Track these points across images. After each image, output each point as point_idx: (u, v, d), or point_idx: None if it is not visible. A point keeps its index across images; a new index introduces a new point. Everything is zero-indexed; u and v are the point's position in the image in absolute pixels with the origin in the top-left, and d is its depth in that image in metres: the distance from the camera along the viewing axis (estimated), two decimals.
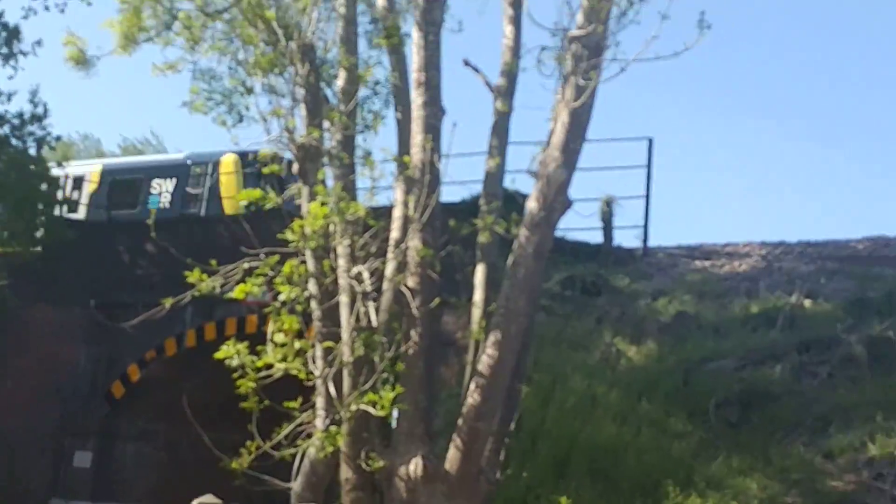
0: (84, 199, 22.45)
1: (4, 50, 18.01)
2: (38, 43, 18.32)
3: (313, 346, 8.69)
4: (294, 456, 8.87)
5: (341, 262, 8.78)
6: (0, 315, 18.41)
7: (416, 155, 9.17)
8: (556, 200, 8.87)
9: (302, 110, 9.35)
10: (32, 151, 18.63)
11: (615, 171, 21.89)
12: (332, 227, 8.66)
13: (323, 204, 8.42)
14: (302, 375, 8.49)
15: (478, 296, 9.59)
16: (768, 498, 10.52)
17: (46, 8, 18.20)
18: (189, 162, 22.56)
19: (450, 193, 14.79)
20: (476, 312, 9.50)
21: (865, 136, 45.69)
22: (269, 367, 8.38)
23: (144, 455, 18.86)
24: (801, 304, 15.04)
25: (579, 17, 8.84)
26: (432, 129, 9.29)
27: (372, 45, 10.39)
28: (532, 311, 9.79)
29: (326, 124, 9.44)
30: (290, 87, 9.34)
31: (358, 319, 8.59)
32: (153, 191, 22.99)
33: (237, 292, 8.34)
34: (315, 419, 8.83)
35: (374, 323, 8.60)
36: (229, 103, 10.54)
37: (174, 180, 22.71)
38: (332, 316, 8.85)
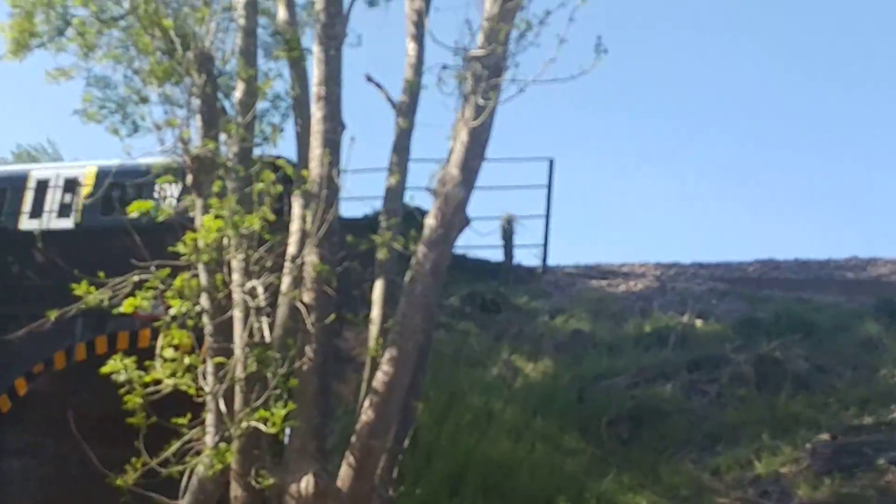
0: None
1: None
2: None
3: (204, 361, 8.54)
4: (182, 473, 8.69)
5: (235, 277, 8.65)
6: None
7: (314, 169, 9.13)
8: (455, 218, 8.94)
9: (198, 121, 9.22)
10: None
11: (517, 191, 22.13)
12: (226, 241, 8.53)
13: (217, 217, 8.29)
14: (192, 391, 8.34)
15: (375, 312, 9.61)
16: None
17: None
18: None
19: (350, 209, 14.73)
20: (373, 329, 9.52)
21: (758, 165, 47.13)
22: (158, 382, 8.22)
23: (31, 470, 18.23)
24: (692, 324, 15.39)
25: (480, 38, 8.94)
26: (331, 144, 9.27)
27: (272, 57, 10.31)
28: (429, 328, 9.85)
29: (223, 136, 9.32)
30: (186, 98, 9.19)
31: (251, 335, 8.48)
32: (156, 193, 22.16)
33: (126, 306, 8.15)
34: (205, 436, 8.67)
35: (268, 339, 8.50)
36: (123, 112, 10.33)
37: (178, 182, 21.95)
38: (224, 331, 8.72)
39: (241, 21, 9.72)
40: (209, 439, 8.61)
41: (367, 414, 8.70)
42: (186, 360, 8.16)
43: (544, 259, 18.97)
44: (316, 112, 9.40)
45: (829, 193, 46.14)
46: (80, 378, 16.65)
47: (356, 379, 11.85)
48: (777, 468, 11.11)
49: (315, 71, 9.54)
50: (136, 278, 8.45)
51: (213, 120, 9.31)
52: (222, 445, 8.47)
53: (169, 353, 8.19)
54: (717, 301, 16.98)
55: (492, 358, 14.30)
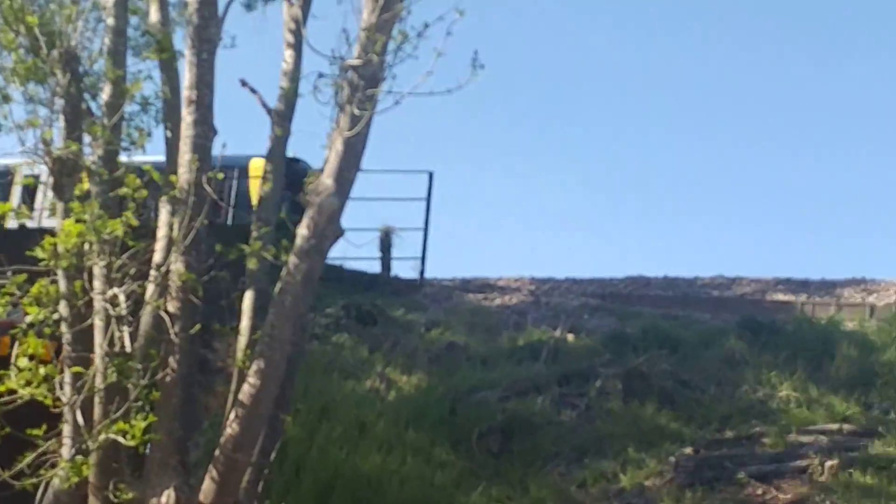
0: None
1: None
2: None
3: (62, 371, 8.24)
4: (37, 486, 8.37)
5: (96, 284, 8.35)
6: None
7: (183, 175, 8.90)
8: (328, 229, 8.85)
9: (61, 122, 8.92)
10: None
11: (396, 203, 22.14)
12: (87, 246, 8.24)
13: (78, 221, 8.00)
14: (48, 402, 8.02)
15: (244, 323, 9.42)
16: None
17: None
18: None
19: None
20: (241, 340, 9.33)
21: (630, 184, 48.25)
22: (13, 392, 7.89)
23: None
24: (564, 338, 15.65)
25: (357, 47, 8.89)
26: (201, 149, 9.07)
27: (142, 58, 10.02)
28: (300, 340, 9.71)
29: (88, 139, 9.03)
30: (49, 98, 8.88)
31: (112, 344, 8.20)
32: None
33: None
34: (61, 448, 8.35)
35: (129, 348, 8.23)
36: None
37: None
38: (83, 340, 8.41)
39: (111, 21, 9.42)
40: (66, 451, 8.31)
41: (232, 427, 8.54)
42: (42, 370, 7.84)
43: (422, 272, 19.06)
44: (186, 116, 9.18)
45: (696, 214, 47.58)
46: None
47: (225, 391, 11.63)
48: (641, 481, 11.35)
49: (186, 74, 9.31)
50: None
51: (77, 121, 9.00)
52: (79, 458, 8.17)
53: (23, 362, 7.85)
54: (588, 316, 17.33)
55: (366, 370, 14.24)
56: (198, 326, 8.67)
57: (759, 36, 44.25)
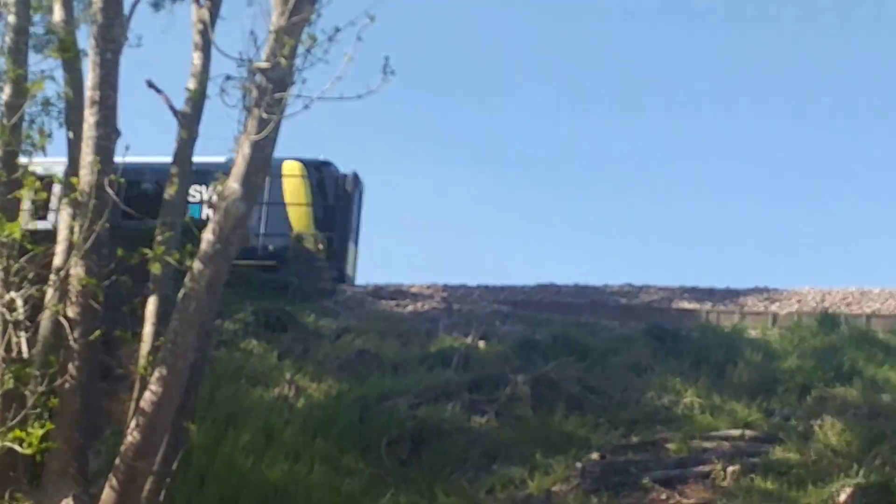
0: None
1: None
2: None
3: None
4: None
5: None
6: None
7: (84, 177, 8.70)
8: (234, 233, 8.72)
9: None
10: None
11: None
12: None
13: None
14: None
15: (147, 329, 9.24)
16: None
17: None
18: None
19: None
20: (144, 346, 9.14)
21: (544, 194, 48.72)
22: None
23: None
24: (475, 345, 15.70)
25: (266, 50, 8.78)
26: (104, 151, 8.89)
27: (44, 56, 9.80)
28: (205, 347, 9.57)
29: None
30: None
31: (9, 350, 7.97)
32: (191, 198, 20.18)
33: None
34: None
35: (27, 354, 8.01)
36: None
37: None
38: None
39: (11, 18, 9.19)
40: None
41: (133, 435, 8.35)
42: None
43: (335, 278, 18.95)
44: (89, 117, 8.99)
45: (606, 224, 48.30)
46: None
47: (127, 398, 11.39)
48: (549, 486, 11.43)
49: (90, 74, 9.12)
50: None
51: None
52: None
53: None
54: (500, 323, 17.44)
55: (275, 377, 14.09)
56: (98, 332, 8.48)
57: (655, 30, 45.25)
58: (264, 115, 8.55)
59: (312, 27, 8.79)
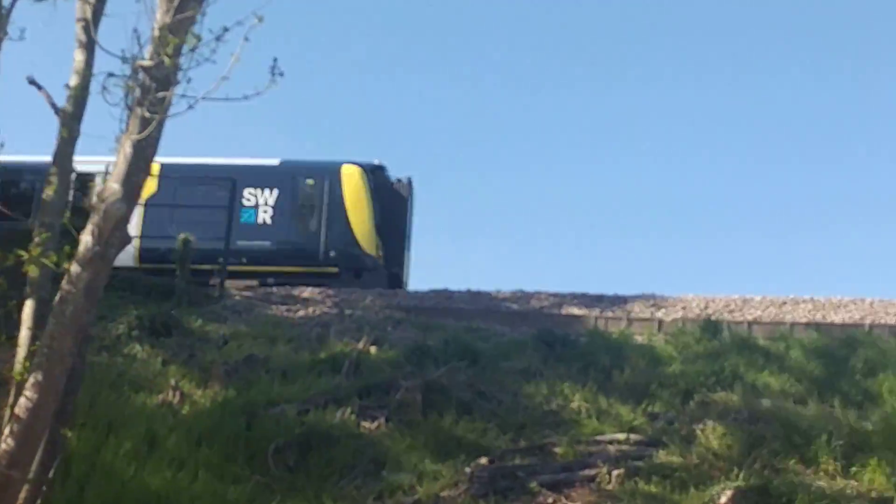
0: None
1: None
2: None
3: None
4: None
5: None
6: None
7: None
8: (114, 236, 8.49)
9: None
10: None
11: (199, 210, 21.52)
12: None
13: None
14: None
15: (23, 334, 8.95)
16: None
17: None
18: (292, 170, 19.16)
19: None
20: (20, 352, 8.85)
21: (441, 196, 48.97)
22: None
23: None
24: (367, 351, 15.62)
25: (150, 48, 8.59)
26: None
27: None
28: (83, 351, 9.31)
29: None
30: None
31: None
32: (246, 202, 18.87)
33: None
34: None
35: None
36: None
37: (274, 191, 18.88)
38: None
39: None
40: None
41: (6, 442, 8.06)
42: None
43: (222, 282, 18.65)
44: None
45: (498, 228, 48.85)
46: None
47: (3, 404, 11.00)
48: (437, 492, 11.41)
49: None
50: None
51: None
52: None
53: None
54: (392, 329, 17.42)
55: (158, 383, 13.75)
56: None
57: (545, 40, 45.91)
58: (147, 114, 8.36)
59: (199, 27, 8.64)
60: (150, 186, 19.74)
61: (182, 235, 17.82)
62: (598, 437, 12.83)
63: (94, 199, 8.50)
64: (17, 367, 8.66)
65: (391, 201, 21.68)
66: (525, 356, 15.46)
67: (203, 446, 12.13)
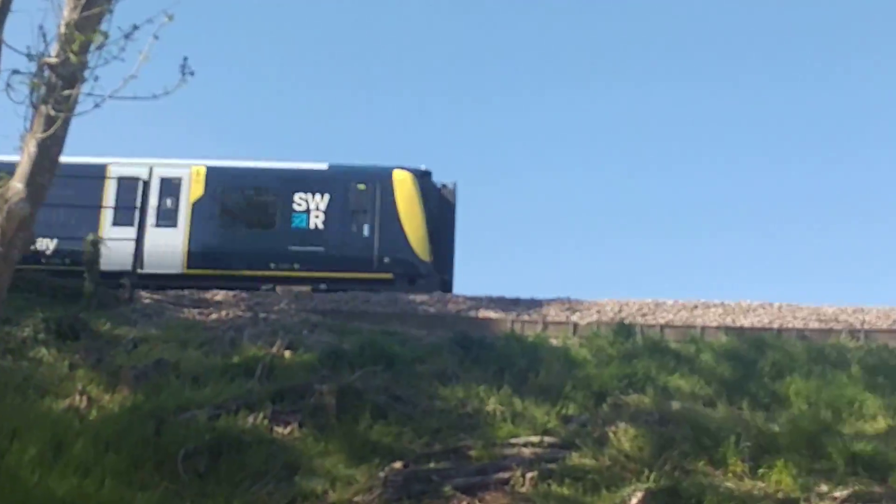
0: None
1: None
2: None
3: None
4: None
5: None
6: None
7: None
8: (18, 236, 8.28)
9: None
10: None
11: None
12: None
13: None
14: None
15: None
16: None
17: None
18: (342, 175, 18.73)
19: None
20: None
21: None
22: None
23: None
24: (281, 355, 15.44)
25: (56, 46, 8.39)
26: None
27: None
28: None
29: None
30: None
31: None
32: (297, 206, 17.97)
33: None
34: None
35: None
36: None
37: (325, 196, 17.90)
38: None
39: None
40: None
41: None
42: None
43: (132, 286, 18.29)
44: None
45: None
46: None
47: None
48: (351, 497, 11.32)
49: None
50: None
51: None
52: None
53: None
54: (308, 332, 17.25)
55: (64, 388, 13.38)
56: None
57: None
58: (52, 113, 8.19)
59: (108, 24, 8.47)
60: (196, 191, 19.61)
61: (90, 237, 17.41)
62: (513, 440, 12.88)
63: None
64: None
65: (438, 206, 21.51)
66: (441, 359, 15.46)
67: (110, 452, 11.82)
